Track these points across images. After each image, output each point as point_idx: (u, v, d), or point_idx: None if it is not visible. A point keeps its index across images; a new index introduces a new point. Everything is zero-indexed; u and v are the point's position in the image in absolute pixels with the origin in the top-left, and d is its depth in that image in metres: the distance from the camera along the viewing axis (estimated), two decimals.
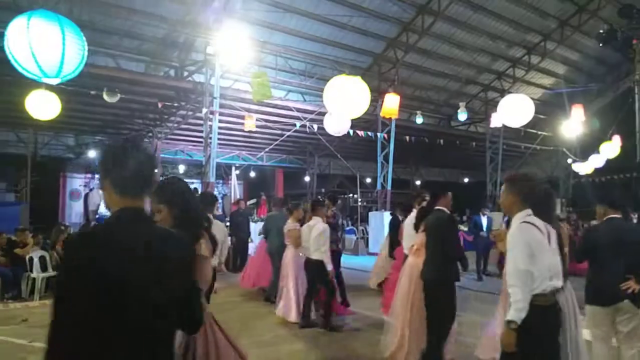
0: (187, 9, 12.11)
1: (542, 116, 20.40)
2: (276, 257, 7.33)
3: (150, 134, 16.08)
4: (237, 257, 11.89)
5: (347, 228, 18.67)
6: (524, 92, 18.33)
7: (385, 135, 15.48)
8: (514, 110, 8.94)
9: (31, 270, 8.46)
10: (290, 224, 6.87)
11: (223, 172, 20.98)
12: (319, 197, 7.78)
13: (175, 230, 2.06)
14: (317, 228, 6.00)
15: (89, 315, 1.30)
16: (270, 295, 7.56)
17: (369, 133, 15.07)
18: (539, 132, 21.49)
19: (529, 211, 2.88)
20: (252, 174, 20.57)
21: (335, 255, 6.74)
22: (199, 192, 9.57)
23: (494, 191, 19.04)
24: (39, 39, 4.58)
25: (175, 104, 13.36)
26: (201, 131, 16.08)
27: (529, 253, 2.71)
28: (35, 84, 6.60)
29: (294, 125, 14.73)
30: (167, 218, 2.38)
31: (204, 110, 12.29)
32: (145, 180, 1.57)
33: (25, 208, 14.00)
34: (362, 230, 18.31)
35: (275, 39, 13.93)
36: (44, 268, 8.60)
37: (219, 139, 13.20)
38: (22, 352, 5.29)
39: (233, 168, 13.95)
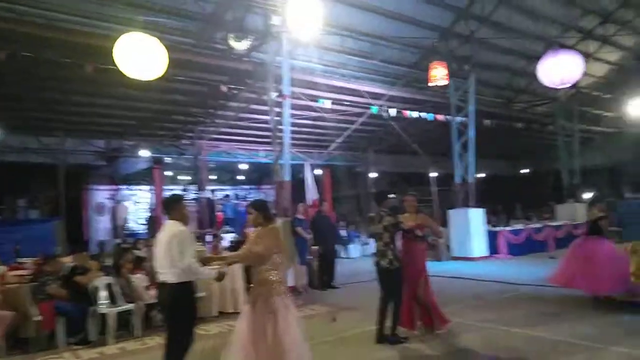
0: None
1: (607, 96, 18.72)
2: None
3: (191, 134, 13.86)
4: (323, 274, 9.77)
5: None
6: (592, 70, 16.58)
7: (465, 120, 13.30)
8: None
9: (96, 304, 6.31)
10: None
11: (260, 176, 18.86)
12: None
13: None
14: None
15: None
16: None
17: (447, 117, 12.98)
18: (605, 113, 19.77)
19: None
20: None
21: None
22: None
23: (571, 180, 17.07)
24: None
25: (238, 87, 11.13)
26: (252, 127, 14.01)
27: None
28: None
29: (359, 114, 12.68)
30: None
31: (272, 94, 10.13)
32: None
33: (61, 225, 11.65)
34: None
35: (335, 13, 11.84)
36: (112, 300, 6.44)
37: (272, 135, 10.70)
38: None
39: (307, 165, 11.81)
